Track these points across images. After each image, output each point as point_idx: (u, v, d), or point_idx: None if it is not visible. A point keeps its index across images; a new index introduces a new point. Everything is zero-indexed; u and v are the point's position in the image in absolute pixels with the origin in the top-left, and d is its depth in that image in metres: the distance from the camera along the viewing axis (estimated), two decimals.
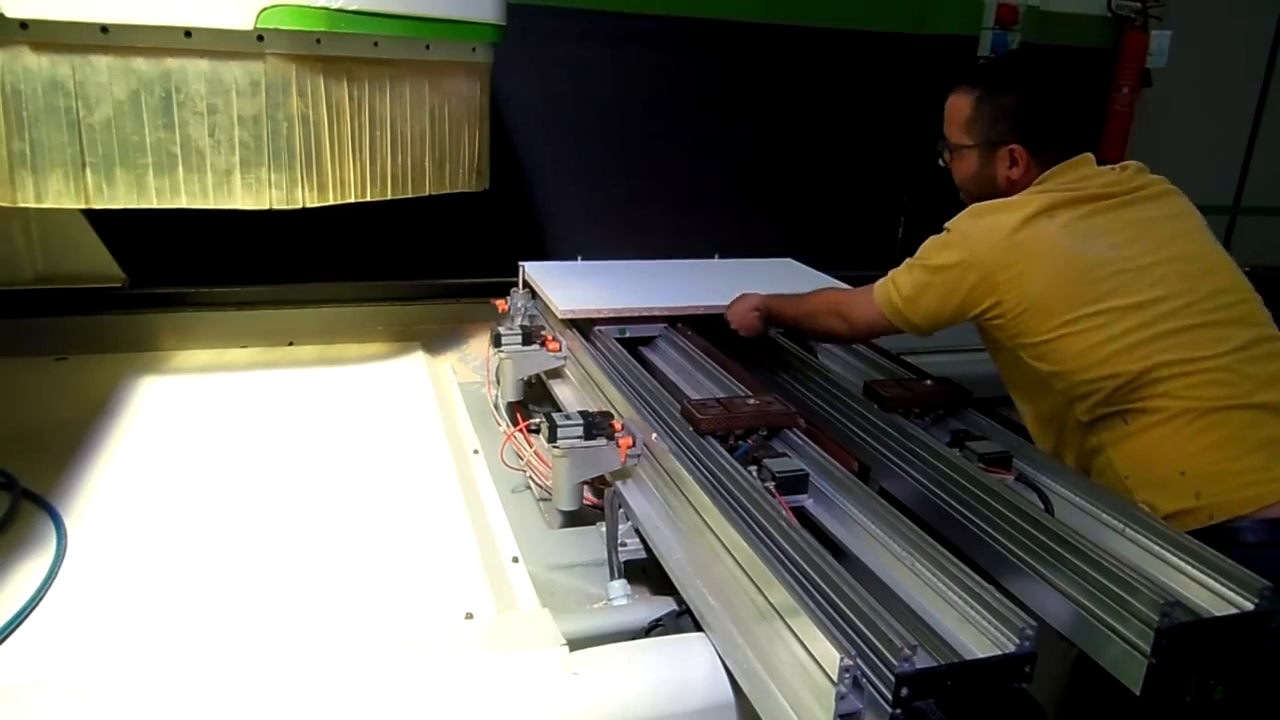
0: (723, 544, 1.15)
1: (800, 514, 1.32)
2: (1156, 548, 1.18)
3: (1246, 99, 5.17)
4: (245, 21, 1.50)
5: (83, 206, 1.53)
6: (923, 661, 0.91)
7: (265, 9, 1.51)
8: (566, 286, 2.07)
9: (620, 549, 1.41)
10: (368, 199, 1.74)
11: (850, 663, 0.87)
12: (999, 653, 0.95)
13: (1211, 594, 1.09)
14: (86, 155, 1.51)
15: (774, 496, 1.28)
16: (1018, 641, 0.95)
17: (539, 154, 3.46)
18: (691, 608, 1.22)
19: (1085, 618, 1.11)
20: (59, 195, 1.51)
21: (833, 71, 3.98)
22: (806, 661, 0.93)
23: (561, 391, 1.91)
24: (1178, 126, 4.87)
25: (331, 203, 1.68)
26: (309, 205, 1.65)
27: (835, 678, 0.87)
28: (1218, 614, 1.06)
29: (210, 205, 1.59)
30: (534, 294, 2.17)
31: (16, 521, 1.38)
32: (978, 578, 1.04)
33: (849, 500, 1.30)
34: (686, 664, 1.13)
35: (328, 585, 1.31)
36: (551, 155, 3.48)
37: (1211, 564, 1.11)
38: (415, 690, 1.04)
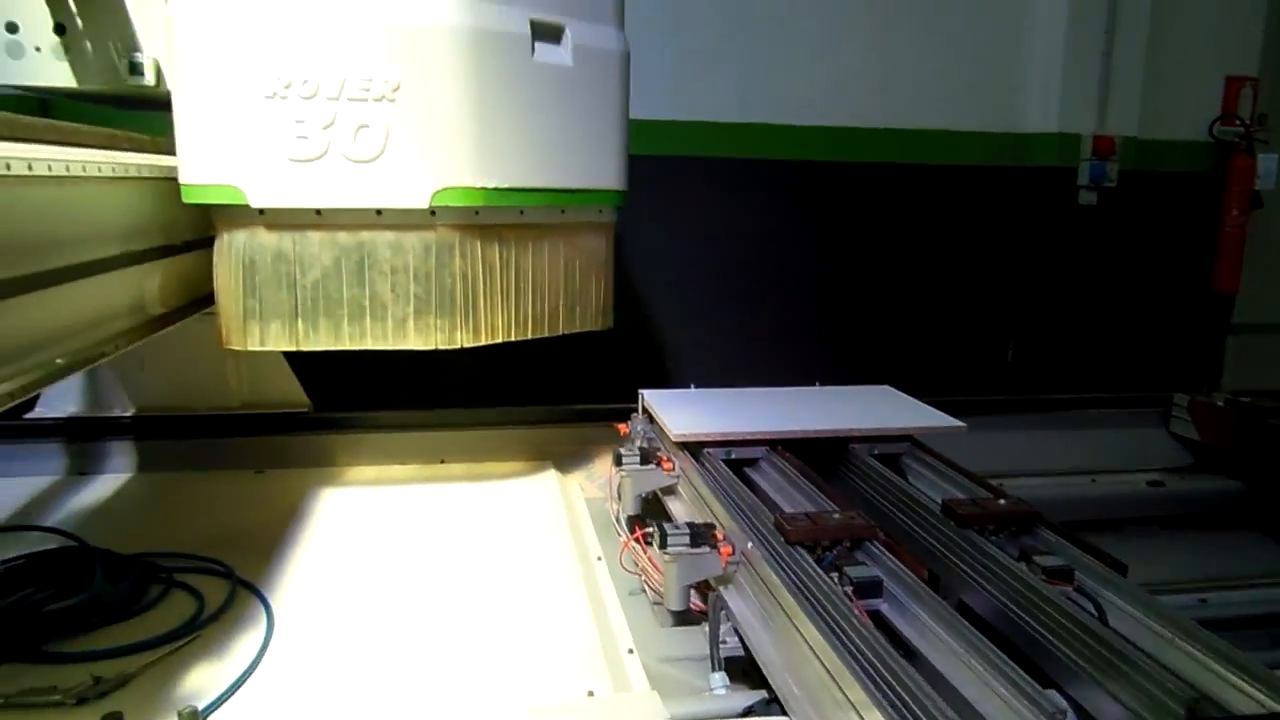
0: (807, 643, 1.36)
1: (876, 617, 1.51)
2: (1200, 655, 1.32)
3: None
4: (422, 201, 1.88)
5: (293, 349, 1.91)
6: None
7: (438, 190, 1.89)
8: (680, 412, 2.34)
9: (721, 646, 1.62)
10: (512, 339, 2.08)
11: None
12: None
13: (1245, 696, 1.23)
14: (299, 308, 1.91)
15: (851, 601, 1.48)
16: None
17: (658, 288, 3.82)
18: (779, 697, 1.42)
19: (1130, 716, 1.25)
20: (277, 340, 1.91)
21: (936, 204, 4.23)
22: None
23: (674, 506, 2.16)
24: None
25: (484, 343, 2.02)
26: (466, 346, 1.99)
27: None
28: (1246, 713, 1.20)
29: (389, 347, 1.95)
30: (651, 419, 2.45)
31: (235, 604, 1.72)
32: (1020, 671, 1.21)
33: (919, 605, 1.48)
34: None
35: (474, 667, 1.57)
36: (669, 289, 3.83)
37: (1248, 670, 1.25)
38: None
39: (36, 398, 2.43)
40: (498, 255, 2.03)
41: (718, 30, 3.93)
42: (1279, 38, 4.58)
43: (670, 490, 2.22)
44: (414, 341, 1.97)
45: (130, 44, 2.13)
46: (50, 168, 1.31)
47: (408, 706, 1.44)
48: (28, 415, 2.40)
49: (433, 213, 1.91)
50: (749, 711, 1.47)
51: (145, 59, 2.12)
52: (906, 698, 1.17)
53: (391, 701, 1.45)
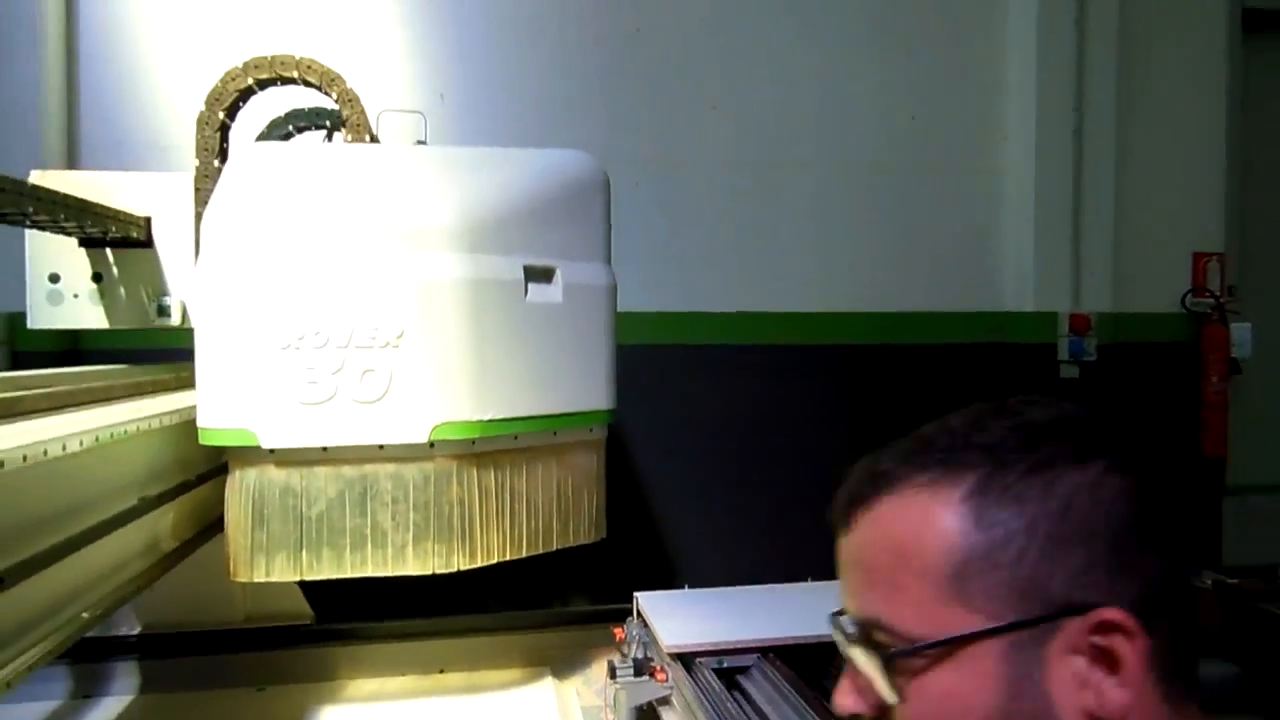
0: None
1: None
2: None
3: None
4: (423, 436, 2.01)
5: (297, 579, 2.00)
6: None
7: (438, 425, 2.03)
8: (673, 618, 2.39)
9: None
10: (508, 559, 2.17)
11: None
12: None
13: None
14: (304, 539, 2.01)
15: None
16: None
17: (652, 478, 3.92)
18: None
19: None
20: (282, 571, 2.00)
21: (926, 382, 4.38)
22: None
23: (668, 718, 2.19)
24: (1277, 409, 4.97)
25: (479, 564, 2.11)
26: (462, 569, 2.08)
27: None
28: None
29: (388, 573, 2.04)
30: (646, 624, 2.50)
31: None
32: None
33: None
34: None
35: None
36: (662, 478, 3.94)
37: None
38: None
39: None
40: (493, 479, 2.15)
41: (713, 229, 4.20)
42: (1241, 215, 4.85)
43: (665, 701, 2.25)
44: (413, 567, 2.06)
45: (160, 288, 2.34)
46: (81, 442, 1.45)
47: None
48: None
49: (432, 445, 2.04)
50: None
51: (173, 301, 2.32)
52: None
53: None
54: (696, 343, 4.13)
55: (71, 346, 3.28)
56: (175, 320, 2.32)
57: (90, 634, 2.50)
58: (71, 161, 3.45)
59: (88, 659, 2.42)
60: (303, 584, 2.66)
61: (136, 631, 2.55)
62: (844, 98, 4.33)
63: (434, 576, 2.66)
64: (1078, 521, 0.68)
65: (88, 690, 2.41)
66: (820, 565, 2.75)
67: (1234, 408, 4.68)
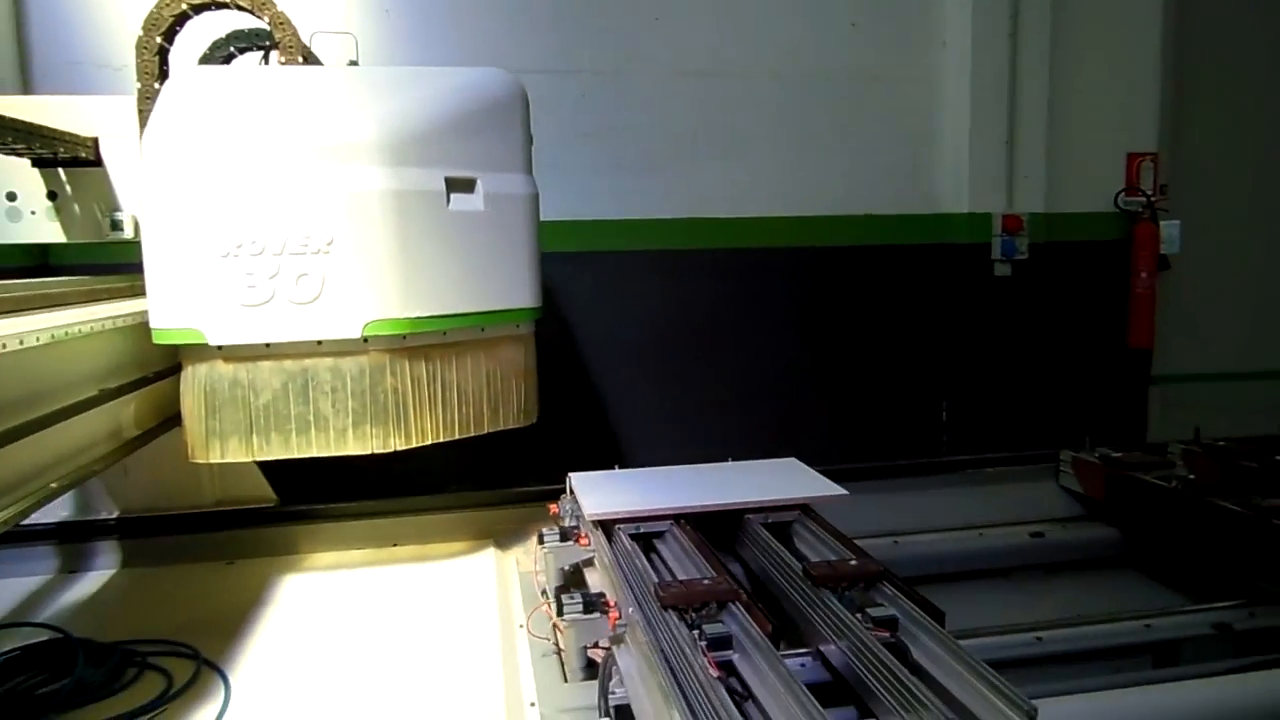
0: (660, 690, 1.67)
1: (729, 665, 1.83)
2: (973, 680, 1.64)
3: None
4: (356, 333, 2.24)
5: (249, 459, 2.25)
6: None
7: (369, 322, 2.25)
8: (598, 493, 2.65)
9: (611, 696, 1.93)
10: (441, 440, 2.42)
11: None
12: None
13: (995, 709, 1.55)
14: (253, 425, 2.25)
15: (704, 655, 1.79)
16: None
17: (601, 373, 4.17)
18: None
19: None
20: (235, 453, 2.25)
21: (868, 282, 4.61)
22: None
23: (591, 577, 2.47)
24: (1204, 301, 5.20)
25: (414, 445, 2.36)
26: (399, 449, 2.33)
27: None
28: None
29: (332, 453, 2.29)
30: (575, 498, 2.77)
31: (199, 681, 2.03)
32: (817, 705, 1.53)
33: (759, 655, 1.80)
34: None
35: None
36: (611, 374, 4.19)
37: (1001, 692, 1.56)
38: None
39: None
40: (425, 371, 2.38)
41: (660, 137, 4.34)
42: (1176, 115, 5.00)
43: (589, 563, 2.53)
44: (353, 448, 2.30)
45: (112, 204, 2.52)
46: (39, 338, 1.67)
47: None
48: (23, 521, 2.73)
49: (365, 340, 2.26)
50: None
51: (125, 216, 2.51)
52: None
53: None
54: (646, 248, 4.32)
55: (41, 261, 3.47)
56: (129, 234, 2.51)
57: (72, 518, 2.80)
58: (25, 85, 3.57)
59: (73, 539, 2.70)
60: (271, 471, 2.93)
61: (115, 515, 2.82)
62: (785, 5, 4.42)
63: (399, 457, 2.94)
64: None
65: (73, 566, 2.69)
66: (745, 449, 3.02)
67: (1160, 302, 4.91)
